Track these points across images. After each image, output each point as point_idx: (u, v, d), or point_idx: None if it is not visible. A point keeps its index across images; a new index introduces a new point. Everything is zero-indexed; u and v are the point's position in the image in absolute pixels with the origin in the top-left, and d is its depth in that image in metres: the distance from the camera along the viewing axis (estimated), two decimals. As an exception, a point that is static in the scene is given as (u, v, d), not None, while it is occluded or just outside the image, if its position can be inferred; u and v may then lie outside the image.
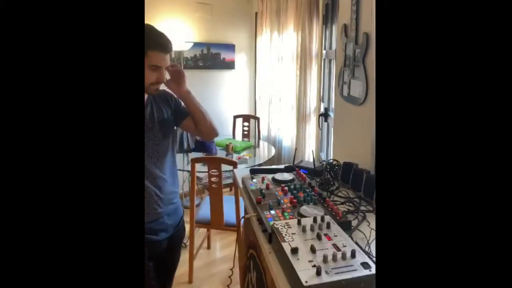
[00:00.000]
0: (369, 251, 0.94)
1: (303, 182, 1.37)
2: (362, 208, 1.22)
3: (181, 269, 2.37)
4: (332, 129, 2.46)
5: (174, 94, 1.40)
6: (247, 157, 2.92)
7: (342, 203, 1.26)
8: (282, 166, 1.55)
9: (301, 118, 3.37)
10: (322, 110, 3.04)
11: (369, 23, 1.46)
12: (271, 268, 0.89)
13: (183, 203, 3.45)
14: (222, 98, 4.15)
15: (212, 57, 3.95)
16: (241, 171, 1.57)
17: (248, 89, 4.41)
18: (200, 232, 3.00)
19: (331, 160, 1.54)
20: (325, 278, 0.75)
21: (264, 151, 3.40)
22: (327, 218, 0.98)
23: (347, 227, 1.02)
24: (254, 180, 1.38)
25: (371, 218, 1.15)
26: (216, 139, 3.14)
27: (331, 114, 2.67)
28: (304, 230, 0.94)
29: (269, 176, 1.42)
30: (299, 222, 0.97)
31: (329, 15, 2.84)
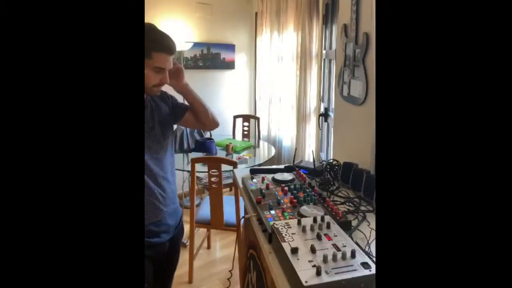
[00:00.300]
0: (369, 251, 0.94)
1: (303, 182, 1.37)
2: (362, 208, 1.22)
3: (181, 269, 2.37)
4: (332, 129, 2.46)
5: (167, 92, 1.40)
6: (247, 157, 2.92)
7: (342, 203, 1.26)
8: (282, 166, 1.55)
9: (301, 118, 3.37)
10: (322, 110, 3.04)
11: (369, 23, 1.46)
12: (271, 268, 0.89)
13: (183, 203, 3.46)
14: (222, 98, 4.15)
15: (212, 57, 3.95)
16: (241, 171, 1.57)
17: (248, 89, 4.41)
18: (200, 232, 3.00)
19: (331, 160, 1.54)
20: (325, 278, 0.75)
21: (264, 151, 3.40)
22: (327, 218, 0.98)
23: (347, 227, 1.02)
24: (254, 180, 1.38)
25: (371, 218, 1.15)
26: (216, 139, 3.14)
27: (331, 114, 2.67)
28: (304, 230, 0.94)
29: (269, 176, 1.42)
30: (299, 222, 0.97)
31: (329, 15, 2.84)
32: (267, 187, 1.30)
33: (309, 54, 3.21)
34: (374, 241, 0.99)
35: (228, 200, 2.43)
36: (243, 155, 2.98)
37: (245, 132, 3.84)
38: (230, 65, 4.15)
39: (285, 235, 0.92)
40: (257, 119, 3.87)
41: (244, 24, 4.26)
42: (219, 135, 3.47)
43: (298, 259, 0.81)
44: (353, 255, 0.82)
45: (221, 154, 2.99)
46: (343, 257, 0.81)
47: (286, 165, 1.56)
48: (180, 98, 1.46)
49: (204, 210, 2.48)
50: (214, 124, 1.47)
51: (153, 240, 1.28)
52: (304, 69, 3.26)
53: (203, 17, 3.90)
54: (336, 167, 1.51)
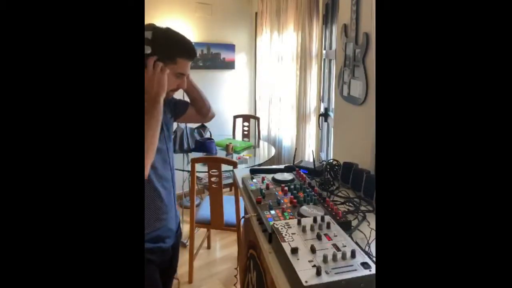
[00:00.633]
0: (369, 251, 0.94)
1: (303, 182, 1.37)
2: (362, 208, 1.22)
3: (181, 269, 2.37)
4: (332, 129, 2.46)
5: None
6: (247, 157, 2.92)
7: (342, 203, 1.26)
8: (282, 166, 1.55)
9: (301, 118, 3.37)
10: (322, 110, 3.04)
11: (369, 23, 1.46)
12: (271, 268, 0.89)
13: (183, 203, 3.45)
14: (222, 98, 4.16)
15: (212, 57, 3.95)
16: (241, 171, 1.57)
17: (248, 89, 4.41)
18: (200, 232, 3.00)
19: (331, 160, 1.54)
20: (325, 278, 0.75)
21: (264, 151, 3.40)
22: (327, 218, 0.98)
23: (347, 227, 1.02)
24: (254, 180, 1.38)
25: (371, 218, 1.15)
26: (216, 139, 3.14)
27: (331, 114, 2.67)
28: (304, 230, 0.94)
29: (269, 176, 1.42)
30: (299, 222, 0.97)
31: (329, 15, 2.84)
32: (267, 187, 1.30)
33: (309, 54, 3.21)
34: (374, 241, 0.99)
35: (228, 200, 2.43)
36: (243, 155, 2.98)
37: (245, 132, 3.84)
38: (230, 65, 4.15)
39: (285, 235, 0.92)
40: (257, 119, 3.87)
41: (244, 24, 4.26)
42: (219, 135, 3.47)
43: (298, 259, 0.81)
44: (353, 255, 0.82)
45: (221, 154, 2.99)
46: (343, 257, 0.81)
47: (286, 165, 1.56)
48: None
49: (204, 210, 2.48)
50: (212, 115, 1.50)
51: (160, 245, 1.23)
52: (304, 69, 3.26)
53: (203, 17, 3.90)
54: (336, 167, 1.51)
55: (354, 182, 1.38)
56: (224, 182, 2.42)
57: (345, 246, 0.86)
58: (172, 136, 1.38)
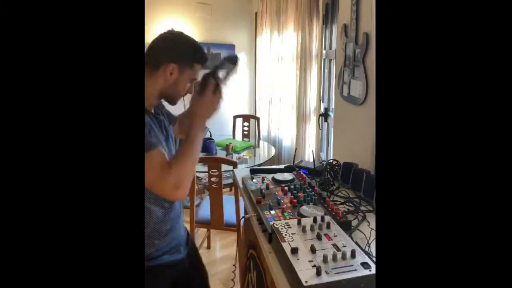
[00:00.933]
0: (369, 251, 0.94)
1: (303, 182, 1.37)
2: (362, 208, 1.22)
3: (181, 269, 2.36)
4: (332, 129, 2.46)
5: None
6: (247, 157, 2.92)
7: (342, 203, 1.26)
8: (282, 166, 1.55)
9: (301, 118, 3.37)
10: (322, 110, 3.04)
11: (369, 23, 1.46)
12: (271, 268, 0.89)
13: (183, 203, 3.45)
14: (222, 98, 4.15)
15: (212, 57, 3.95)
16: (241, 171, 1.58)
17: (248, 89, 4.41)
18: (200, 232, 3.00)
19: (331, 160, 1.54)
20: (325, 278, 0.75)
21: (264, 151, 3.40)
22: (327, 218, 0.98)
23: (347, 227, 1.02)
24: (254, 180, 1.38)
25: (371, 218, 1.15)
26: (216, 139, 3.13)
27: (331, 114, 2.67)
28: (304, 230, 0.94)
29: (269, 176, 1.42)
30: (299, 222, 0.97)
31: (329, 15, 2.84)
32: (267, 187, 1.30)
33: (309, 54, 3.21)
34: (374, 241, 0.99)
35: (228, 200, 2.43)
36: (243, 155, 2.98)
37: (245, 132, 3.84)
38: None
39: (285, 235, 0.92)
40: (257, 119, 3.87)
41: (244, 24, 4.26)
42: (219, 135, 3.47)
43: (298, 259, 0.81)
44: (353, 255, 0.82)
45: (221, 154, 2.99)
46: (343, 257, 0.81)
47: (286, 165, 1.56)
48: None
49: (204, 210, 2.48)
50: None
51: (175, 257, 1.13)
52: (304, 69, 3.26)
53: (203, 17, 3.90)
54: (336, 167, 1.51)
55: (354, 182, 1.38)
56: (224, 182, 2.41)
57: (345, 246, 0.86)
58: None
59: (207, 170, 2.31)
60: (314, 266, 0.78)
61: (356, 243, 0.92)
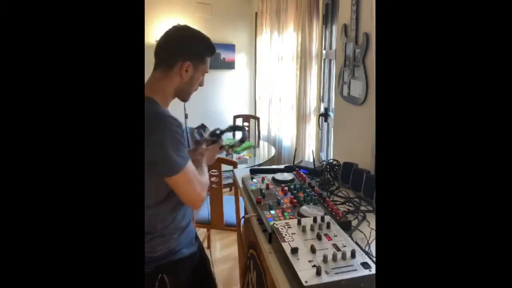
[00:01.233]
0: (369, 251, 0.94)
1: (303, 182, 1.37)
2: (362, 208, 1.22)
3: (181, 269, 2.36)
4: (332, 129, 2.46)
5: None
6: (247, 157, 2.92)
7: (342, 203, 1.26)
8: (282, 166, 1.55)
9: (301, 118, 3.37)
10: (322, 110, 3.03)
11: (369, 23, 1.46)
12: (271, 268, 0.89)
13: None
14: (222, 98, 4.16)
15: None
16: (241, 171, 1.58)
17: (248, 89, 4.41)
18: (200, 232, 3.00)
19: (331, 160, 1.54)
20: (325, 278, 0.75)
21: (264, 151, 3.39)
22: (327, 218, 0.98)
23: (347, 227, 1.02)
24: (254, 180, 1.38)
25: (371, 218, 1.15)
26: (216, 139, 3.13)
27: (331, 114, 2.67)
28: (304, 230, 0.94)
29: (269, 176, 1.42)
30: (299, 222, 0.97)
31: (329, 15, 2.84)
32: (267, 187, 1.30)
33: (309, 54, 3.21)
34: (374, 241, 0.99)
35: (228, 200, 2.43)
36: (243, 155, 2.98)
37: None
38: (230, 65, 4.15)
39: (285, 235, 0.92)
40: (257, 119, 3.87)
41: (244, 24, 4.26)
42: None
43: (298, 259, 0.81)
44: (353, 255, 0.82)
45: (221, 154, 2.98)
46: (343, 257, 0.81)
47: (286, 165, 1.56)
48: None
49: (204, 210, 2.48)
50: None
51: (192, 249, 1.17)
52: (304, 69, 3.26)
53: (203, 17, 3.90)
54: (336, 167, 1.51)
55: (354, 182, 1.38)
56: (224, 182, 2.41)
57: (345, 246, 0.86)
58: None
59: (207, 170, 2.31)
60: (314, 266, 0.78)
61: (356, 243, 0.92)
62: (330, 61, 2.89)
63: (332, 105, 2.59)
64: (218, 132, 1.32)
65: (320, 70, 3.13)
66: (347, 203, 1.26)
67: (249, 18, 4.28)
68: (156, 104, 1.03)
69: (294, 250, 0.84)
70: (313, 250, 0.84)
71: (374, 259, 0.88)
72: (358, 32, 1.58)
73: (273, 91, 3.86)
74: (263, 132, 4.02)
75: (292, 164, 1.58)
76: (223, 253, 2.87)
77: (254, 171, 1.50)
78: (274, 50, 3.77)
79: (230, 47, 4.11)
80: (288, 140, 3.73)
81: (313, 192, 1.24)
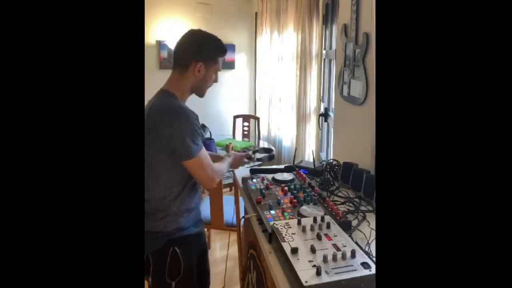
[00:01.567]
0: (369, 251, 0.94)
1: (303, 182, 1.37)
2: (362, 208, 1.22)
3: (181, 269, 2.36)
4: (332, 129, 2.46)
5: None
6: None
7: (342, 203, 1.26)
8: (282, 166, 1.55)
9: (301, 118, 3.37)
10: (322, 110, 3.03)
11: (369, 23, 1.46)
12: (271, 268, 0.89)
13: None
14: (222, 98, 4.16)
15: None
16: (241, 171, 1.57)
17: (248, 89, 4.41)
18: (200, 232, 3.00)
19: (331, 160, 1.54)
20: (325, 278, 0.75)
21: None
22: (327, 218, 0.98)
23: (347, 227, 1.02)
24: (254, 180, 1.38)
25: (371, 218, 1.15)
26: (216, 139, 3.13)
27: (331, 114, 2.67)
28: (304, 230, 0.94)
29: (269, 176, 1.42)
30: (299, 222, 0.97)
31: (329, 15, 2.84)
32: (267, 187, 1.30)
33: (309, 54, 3.21)
34: (374, 241, 0.99)
35: (228, 200, 2.43)
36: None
37: (245, 132, 3.84)
38: (230, 65, 4.15)
39: (285, 235, 0.92)
40: (257, 119, 3.87)
41: (244, 24, 4.25)
42: (219, 135, 3.47)
43: (298, 259, 0.81)
44: (353, 255, 0.82)
45: (221, 154, 2.98)
46: (343, 257, 0.81)
47: (286, 165, 1.56)
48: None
49: (204, 210, 2.48)
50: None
51: (199, 228, 1.34)
52: (304, 69, 3.26)
53: (203, 17, 3.90)
54: (336, 167, 1.51)
55: (354, 182, 1.38)
56: (224, 182, 2.41)
57: (345, 246, 0.86)
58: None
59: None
60: (314, 266, 0.78)
61: (356, 243, 0.92)
62: (330, 61, 2.89)
63: (332, 105, 2.59)
64: (252, 149, 1.63)
65: (320, 70, 3.13)
66: (347, 203, 1.26)
67: (249, 18, 4.28)
68: (176, 98, 1.22)
69: (294, 250, 0.84)
70: (313, 250, 0.84)
71: (374, 259, 0.88)
72: (358, 32, 1.58)
73: (273, 91, 3.86)
74: (263, 132, 4.02)
75: (292, 164, 1.58)
76: (223, 253, 2.87)
77: (254, 171, 1.50)
78: (274, 50, 3.77)
79: (230, 47, 4.11)
80: (288, 140, 3.72)
81: (313, 192, 1.24)
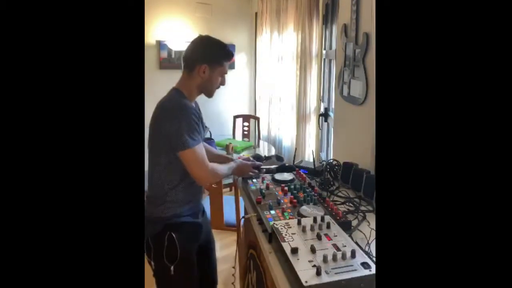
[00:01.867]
0: (369, 251, 0.94)
1: (303, 182, 1.37)
2: (362, 208, 1.22)
3: (181, 269, 2.36)
4: (332, 129, 2.46)
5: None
6: (246, 157, 2.91)
7: (342, 203, 1.26)
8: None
9: (301, 118, 3.37)
10: (322, 110, 3.03)
11: (369, 23, 1.46)
12: (271, 268, 0.89)
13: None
14: (222, 98, 4.15)
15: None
16: (241, 171, 1.57)
17: (248, 89, 4.40)
18: (200, 232, 2.99)
19: (331, 160, 1.54)
20: (325, 278, 0.75)
21: (264, 151, 3.39)
22: (327, 218, 0.98)
23: (347, 227, 1.02)
24: (254, 180, 1.38)
25: (371, 218, 1.15)
26: (216, 139, 3.13)
27: (331, 114, 2.67)
28: (304, 230, 0.94)
29: (269, 176, 1.42)
30: (299, 222, 0.97)
31: (329, 15, 2.84)
32: (267, 187, 1.30)
33: (309, 54, 3.21)
34: (374, 241, 0.99)
35: (228, 200, 2.43)
36: (243, 155, 2.97)
37: (245, 132, 3.84)
38: (230, 65, 4.13)
39: (285, 235, 0.92)
40: (257, 119, 3.86)
41: (244, 24, 4.25)
42: (219, 135, 3.46)
43: (298, 259, 0.81)
44: (353, 255, 0.82)
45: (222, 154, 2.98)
46: (343, 257, 0.81)
47: (286, 164, 1.56)
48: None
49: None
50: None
51: (196, 220, 1.41)
52: (304, 69, 3.26)
53: (203, 17, 3.90)
54: (336, 167, 1.51)
55: (354, 182, 1.38)
56: (224, 182, 2.41)
57: (345, 246, 0.86)
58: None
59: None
60: (314, 266, 0.78)
61: (356, 243, 0.92)
62: (330, 61, 2.89)
63: (332, 105, 2.59)
64: (262, 157, 1.63)
65: (320, 70, 3.13)
66: (347, 203, 1.26)
67: (249, 18, 4.28)
68: (183, 96, 1.32)
69: (294, 250, 0.84)
70: (313, 250, 0.84)
71: (374, 259, 0.88)
72: (358, 32, 1.58)
73: (273, 91, 3.86)
74: (263, 132, 4.01)
75: (292, 164, 1.58)
76: (223, 253, 2.87)
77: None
78: (274, 50, 3.76)
79: (230, 47, 4.10)
80: (288, 140, 3.72)
81: (313, 192, 1.24)
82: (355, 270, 0.77)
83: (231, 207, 2.35)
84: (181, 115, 1.24)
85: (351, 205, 1.24)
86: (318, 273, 0.76)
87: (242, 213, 2.20)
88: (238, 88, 4.30)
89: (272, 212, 1.10)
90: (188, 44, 1.39)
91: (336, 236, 0.91)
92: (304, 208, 1.09)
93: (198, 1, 3.85)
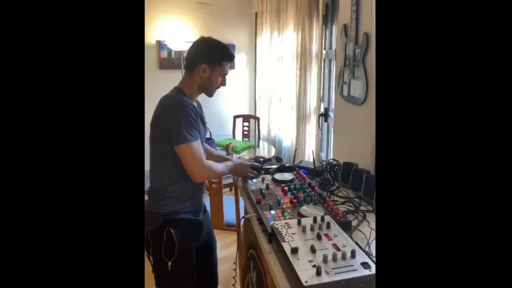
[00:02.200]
0: (369, 251, 0.94)
1: (303, 182, 1.37)
2: (362, 208, 1.22)
3: (181, 269, 2.36)
4: (332, 129, 2.46)
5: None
6: (247, 157, 2.92)
7: (342, 203, 1.26)
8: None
9: (301, 118, 3.37)
10: (322, 110, 3.03)
11: (369, 23, 1.46)
12: (271, 268, 0.89)
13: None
14: (222, 98, 4.15)
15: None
16: (241, 171, 1.57)
17: (248, 89, 4.40)
18: (200, 232, 2.99)
19: (331, 160, 1.54)
20: (325, 278, 0.75)
21: (264, 151, 3.39)
22: (327, 218, 0.98)
23: (347, 227, 1.02)
24: (254, 180, 1.38)
25: (371, 218, 1.15)
26: (216, 139, 3.14)
27: (331, 114, 2.67)
28: (304, 230, 0.94)
29: (269, 176, 1.42)
30: (299, 222, 0.97)
31: (329, 15, 2.84)
32: (267, 187, 1.30)
33: (309, 54, 3.21)
34: (374, 241, 0.99)
35: (228, 200, 2.43)
36: (243, 155, 2.98)
37: (245, 132, 3.84)
38: (230, 65, 4.14)
39: (285, 235, 0.92)
40: (257, 119, 3.86)
41: (244, 24, 4.25)
42: (219, 135, 3.46)
43: (298, 259, 0.81)
44: (353, 255, 0.82)
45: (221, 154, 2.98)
46: (343, 257, 0.81)
47: (286, 164, 1.56)
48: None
49: (204, 210, 2.48)
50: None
51: (197, 217, 1.42)
52: (304, 69, 3.26)
53: (203, 17, 3.90)
54: (336, 167, 1.51)
55: (354, 182, 1.38)
56: (224, 182, 2.41)
57: (345, 246, 0.86)
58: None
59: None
60: (314, 266, 0.78)
61: (356, 243, 0.92)
62: (330, 61, 2.89)
63: (332, 105, 2.59)
64: (261, 159, 1.59)
65: (320, 70, 3.13)
66: (347, 203, 1.26)
67: (249, 18, 4.28)
68: (184, 94, 1.36)
69: (294, 250, 0.84)
70: (313, 250, 0.84)
71: (374, 259, 0.88)
72: (358, 32, 1.58)
73: (273, 91, 3.86)
74: (263, 132, 4.01)
75: (292, 164, 1.58)
76: (223, 253, 2.86)
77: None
78: (274, 50, 3.76)
79: (230, 47, 4.11)
80: (288, 140, 3.72)
81: (313, 192, 1.24)
82: (355, 270, 0.77)
83: (231, 207, 2.35)
84: (179, 111, 1.27)
85: (351, 205, 1.25)
86: (318, 273, 0.76)
87: (242, 213, 2.20)
88: (238, 88, 4.29)
89: (272, 212, 1.10)
90: (188, 44, 1.40)
91: (336, 236, 0.91)
92: (304, 208, 1.09)
93: (198, 1, 3.85)
